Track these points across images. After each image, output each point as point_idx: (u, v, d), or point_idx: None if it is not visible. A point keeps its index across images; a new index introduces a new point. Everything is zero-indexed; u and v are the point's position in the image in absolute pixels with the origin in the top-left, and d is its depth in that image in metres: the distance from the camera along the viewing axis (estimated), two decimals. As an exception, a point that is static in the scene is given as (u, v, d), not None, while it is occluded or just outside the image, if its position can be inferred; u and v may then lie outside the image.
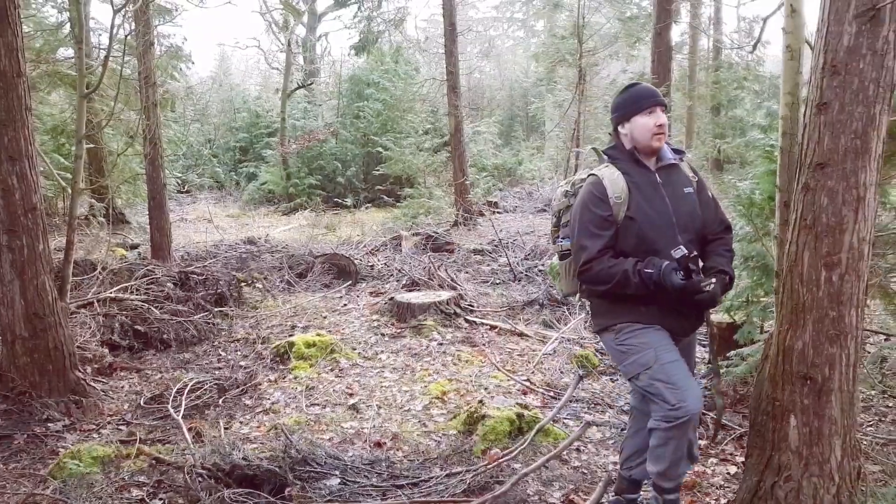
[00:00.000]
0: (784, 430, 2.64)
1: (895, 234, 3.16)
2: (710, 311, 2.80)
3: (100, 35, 12.24)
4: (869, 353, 4.00)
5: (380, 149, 15.04)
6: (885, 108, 2.38)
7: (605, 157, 2.79)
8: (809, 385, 2.55)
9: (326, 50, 23.80)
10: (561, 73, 18.46)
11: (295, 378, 5.08)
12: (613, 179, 2.65)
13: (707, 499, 3.37)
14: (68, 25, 10.48)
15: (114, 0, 4.23)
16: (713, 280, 2.56)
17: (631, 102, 2.68)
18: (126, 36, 6.56)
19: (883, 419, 4.17)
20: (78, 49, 4.32)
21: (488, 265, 9.06)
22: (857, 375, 2.59)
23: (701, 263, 2.62)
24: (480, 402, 4.37)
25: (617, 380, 5.02)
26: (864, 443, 3.84)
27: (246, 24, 70.57)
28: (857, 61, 2.35)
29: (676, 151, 2.79)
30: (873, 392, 4.30)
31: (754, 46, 4.31)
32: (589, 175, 2.73)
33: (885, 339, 4.84)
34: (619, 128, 2.73)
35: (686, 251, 2.58)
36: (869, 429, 4.04)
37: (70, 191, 4.76)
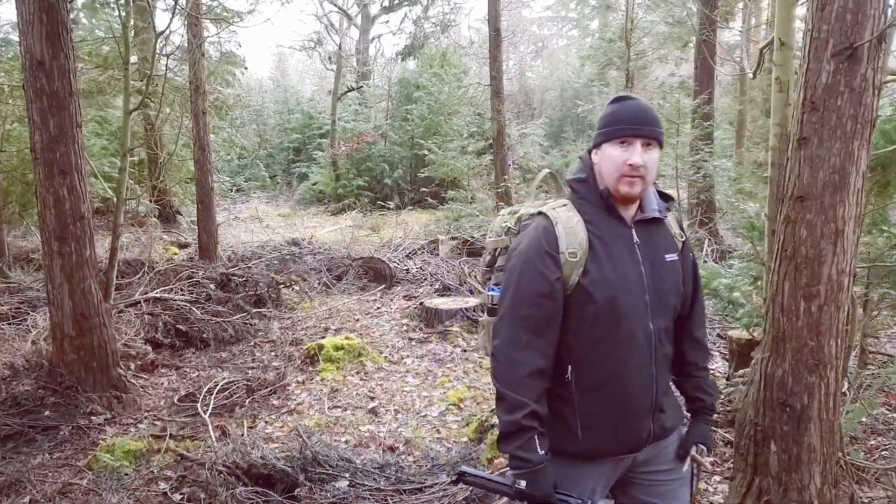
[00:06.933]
0: (765, 455, 2.70)
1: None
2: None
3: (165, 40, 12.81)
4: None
5: (425, 151, 15.26)
6: (863, 144, 2.42)
7: (569, 189, 1.97)
8: (788, 412, 2.61)
9: (379, 52, 24.18)
10: (612, 75, 18.29)
11: (322, 380, 5.33)
12: (571, 227, 1.83)
13: (704, 515, 3.44)
14: (132, 34, 11.04)
15: (156, 25, 4.55)
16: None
17: (605, 123, 1.88)
18: (169, 54, 6.92)
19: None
20: (125, 69, 4.65)
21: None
22: (837, 405, 2.63)
23: None
24: (492, 410, 4.51)
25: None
26: (877, 469, 3.82)
27: (304, 25, 71.97)
28: (834, 98, 2.39)
29: (664, 197, 1.98)
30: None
31: (755, 74, 4.23)
32: (539, 213, 1.91)
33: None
34: (592, 154, 1.93)
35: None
36: (884, 452, 4.01)
37: (115, 200, 5.11)
